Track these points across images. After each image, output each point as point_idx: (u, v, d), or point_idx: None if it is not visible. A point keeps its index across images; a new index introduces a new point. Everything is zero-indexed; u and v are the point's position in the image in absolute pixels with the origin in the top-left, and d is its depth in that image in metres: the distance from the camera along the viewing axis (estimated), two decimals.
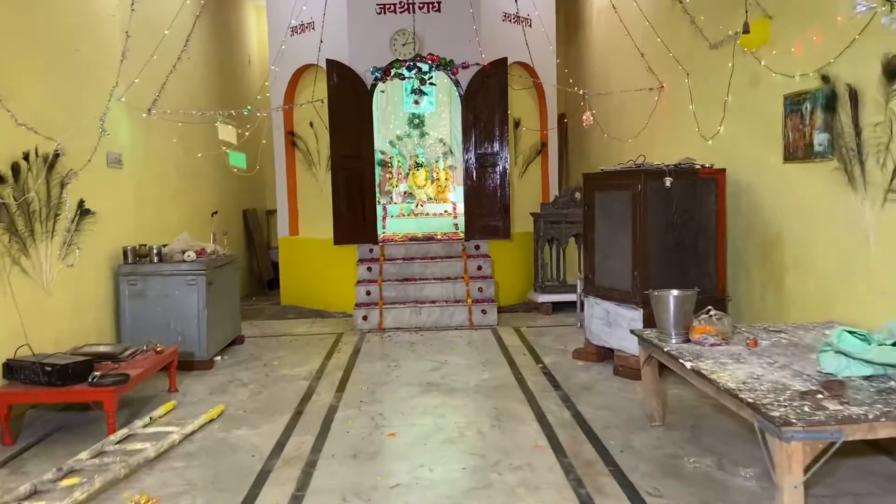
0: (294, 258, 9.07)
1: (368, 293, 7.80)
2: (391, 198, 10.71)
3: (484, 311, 7.60)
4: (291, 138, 9.01)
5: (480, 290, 7.83)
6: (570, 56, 10.70)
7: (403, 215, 10.19)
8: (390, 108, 11.05)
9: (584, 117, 7.92)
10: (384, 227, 9.93)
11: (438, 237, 8.80)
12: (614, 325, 5.68)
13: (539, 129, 9.06)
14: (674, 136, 7.19)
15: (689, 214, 5.57)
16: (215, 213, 8.54)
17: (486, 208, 8.27)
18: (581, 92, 7.94)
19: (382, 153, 10.93)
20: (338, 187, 8.04)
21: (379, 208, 10.08)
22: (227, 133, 9.75)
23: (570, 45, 10.78)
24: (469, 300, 7.67)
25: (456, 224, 9.92)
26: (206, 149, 8.09)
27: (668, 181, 5.41)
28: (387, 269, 8.06)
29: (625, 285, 5.57)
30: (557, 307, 8.28)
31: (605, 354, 5.96)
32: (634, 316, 5.45)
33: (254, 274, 10.65)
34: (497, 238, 8.29)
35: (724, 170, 5.69)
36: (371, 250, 8.29)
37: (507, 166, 8.23)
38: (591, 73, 9.63)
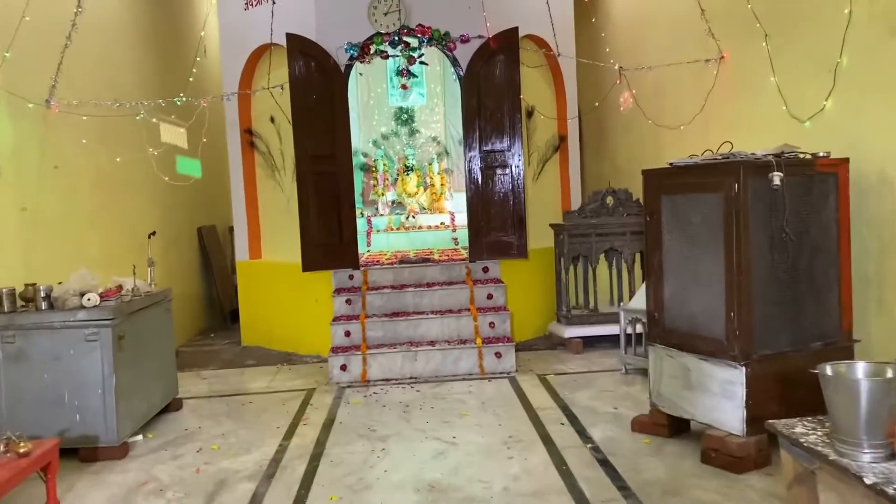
0: (256, 287, 7.27)
1: (348, 334, 6.02)
2: (376, 209, 8.94)
3: (498, 355, 5.83)
4: (249, 137, 7.23)
5: (492, 326, 6.06)
6: (591, 28, 8.94)
7: (392, 229, 8.43)
8: (373, 102, 9.29)
9: (621, 100, 6.19)
10: (368, 245, 8.17)
11: (436, 257, 7.03)
12: (698, 388, 3.92)
13: (556, 118, 7.31)
14: (743, 119, 5.47)
15: (804, 225, 3.84)
16: (153, 234, 6.72)
17: (496, 220, 6.51)
18: (617, 66, 6.19)
19: (365, 155, 9.16)
20: (306, 197, 6.26)
21: (362, 221, 8.32)
22: (173, 134, 7.97)
23: (591, 13, 8.98)
24: (479, 341, 5.90)
25: (455, 239, 8.16)
26: (142, 153, 6.29)
27: (775, 178, 3.69)
28: (371, 302, 6.28)
29: (715, 331, 3.82)
30: (589, 342, 6.52)
31: (679, 425, 4.21)
32: (731, 377, 3.71)
33: (213, 304, 8.83)
34: (511, 257, 6.53)
35: (847, 160, 3.97)
36: (351, 277, 6.50)
37: (522, 166, 6.48)
38: (620, 47, 7.87)
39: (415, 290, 6.30)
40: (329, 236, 6.37)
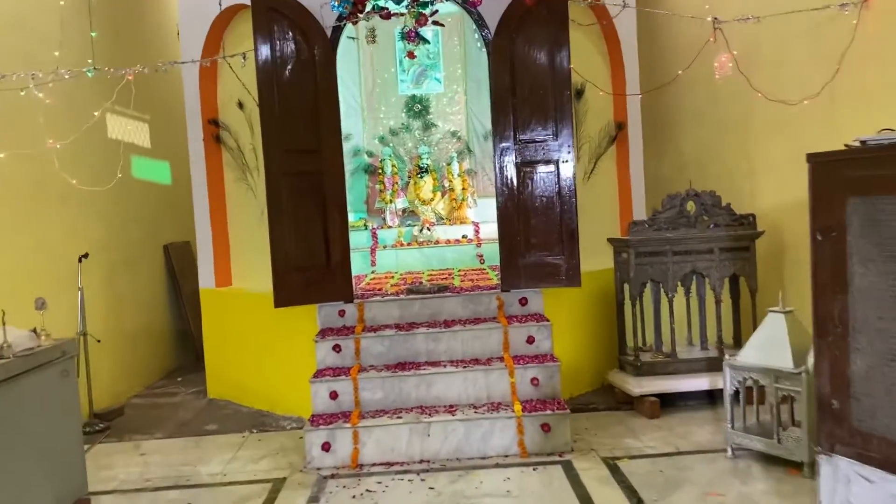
0: (225, 324, 5.61)
1: (334, 395, 4.32)
2: (384, 219, 7.27)
3: (546, 428, 4.09)
4: (214, 130, 5.59)
5: (536, 383, 4.33)
6: None
7: (402, 244, 6.77)
8: (379, 90, 7.63)
9: (716, 64, 4.45)
10: (373, 264, 6.50)
11: (456, 283, 5.32)
12: None
13: (613, 93, 5.57)
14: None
15: None
16: (85, 256, 5.13)
17: (537, 234, 4.79)
18: (710, 18, 4.43)
19: (370, 155, 7.51)
20: (278, 206, 4.59)
21: (364, 235, 6.66)
22: (125, 128, 6.38)
23: None
24: (517, 406, 4.17)
25: (481, 256, 6.46)
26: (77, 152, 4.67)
27: None
28: (368, 348, 4.58)
29: None
30: (666, 398, 4.76)
31: None
32: None
33: (185, 339, 7.20)
34: (557, 284, 4.79)
35: None
36: (342, 313, 4.82)
37: (573, 161, 4.75)
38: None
39: (428, 332, 4.60)
40: (311, 258, 4.69)
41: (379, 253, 6.65)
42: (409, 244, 6.79)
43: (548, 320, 4.66)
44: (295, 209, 4.62)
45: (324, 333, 4.68)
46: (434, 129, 7.59)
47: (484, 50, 5.16)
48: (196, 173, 5.65)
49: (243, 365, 5.46)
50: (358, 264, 6.47)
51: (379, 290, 5.25)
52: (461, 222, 7.16)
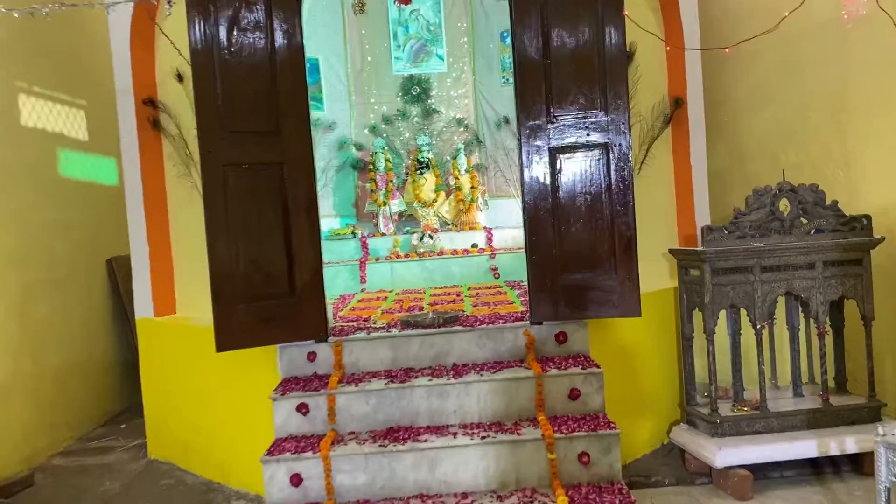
0: (166, 364, 4.31)
1: (298, 481, 3.02)
2: (376, 225, 6.01)
3: None
4: (152, 113, 4.30)
5: (586, 461, 3.02)
6: None
7: (399, 256, 5.50)
8: (370, 69, 6.36)
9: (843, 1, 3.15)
10: (363, 282, 5.24)
11: (467, 310, 4.01)
12: None
13: (674, 48, 4.27)
14: None
15: None
16: None
17: (580, 245, 3.48)
18: None
19: (359, 147, 6.24)
20: (221, 208, 3.29)
21: (352, 245, 5.41)
22: (49, 116, 5.10)
23: None
24: (560, 498, 2.86)
25: (495, 270, 5.20)
26: None
27: None
28: (347, 407, 3.28)
29: None
30: (761, 469, 3.45)
31: None
32: None
33: (132, 371, 5.88)
34: (610, 313, 3.48)
35: None
36: (312, 356, 3.52)
37: (628, 144, 3.43)
38: None
39: (431, 383, 3.29)
40: (268, 282, 3.39)
41: (370, 267, 5.38)
42: (406, 256, 5.50)
43: (597, 365, 3.35)
44: (244, 214, 3.33)
45: (286, 386, 3.37)
46: (436, 116, 6.32)
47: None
48: (129, 169, 4.35)
49: (189, 419, 4.16)
50: (344, 281, 5.20)
51: (366, 319, 3.95)
52: (470, 228, 5.89)
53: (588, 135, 3.42)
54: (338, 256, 5.54)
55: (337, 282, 5.28)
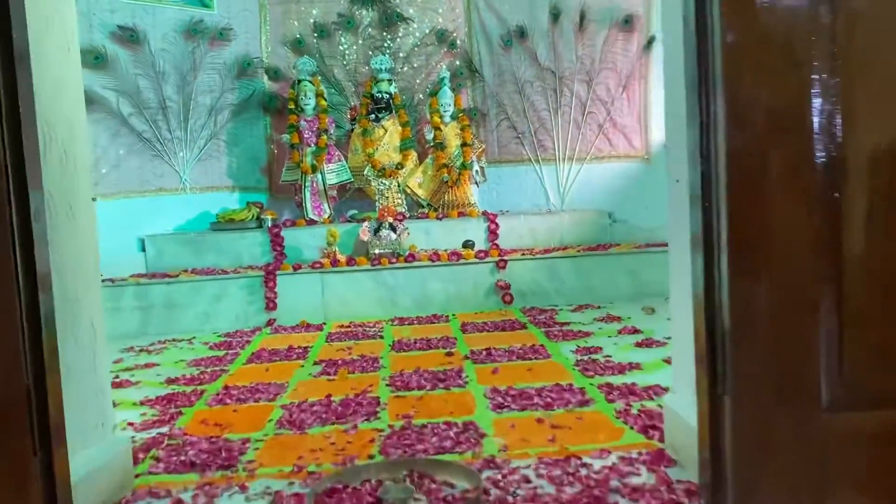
0: None
1: None
2: (299, 206, 3.50)
3: None
4: None
5: None
6: None
7: (337, 261, 2.99)
8: None
9: None
10: (271, 310, 2.74)
11: (481, 423, 1.53)
12: None
13: None
14: None
15: None
16: None
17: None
18: None
19: (273, 75, 3.73)
20: None
21: (254, 238, 2.89)
22: None
23: None
24: None
25: (505, 290, 2.73)
26: None
27: None
28: None
29: None
30: None
31: None
32: None
33: None
34: None
35: None
36: None
37: None
38: None
39: None
40: None
41: (286, 280, 2.93)
42: (350, 261, 3.05)
43: None
44: None
45: None
46: (404, 26, 3.81)
47: None
48: None
49: None
50: (234, 307, 2.79)
51: (232, 463, 1.46)
52: (460, 213, 3.49)
53: None
54: (230, 261, 3.10)
55: (220, 309, 2.86)
